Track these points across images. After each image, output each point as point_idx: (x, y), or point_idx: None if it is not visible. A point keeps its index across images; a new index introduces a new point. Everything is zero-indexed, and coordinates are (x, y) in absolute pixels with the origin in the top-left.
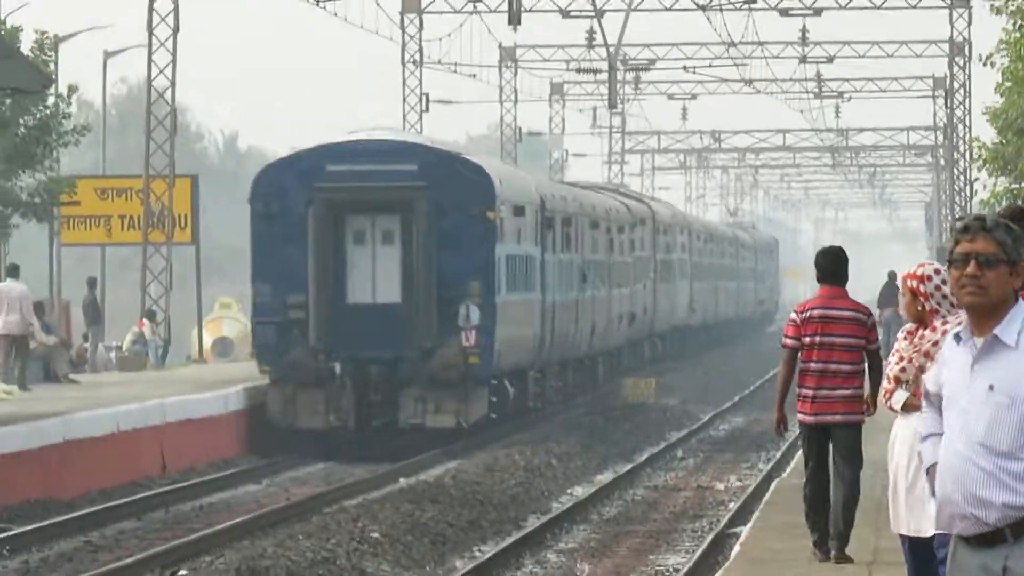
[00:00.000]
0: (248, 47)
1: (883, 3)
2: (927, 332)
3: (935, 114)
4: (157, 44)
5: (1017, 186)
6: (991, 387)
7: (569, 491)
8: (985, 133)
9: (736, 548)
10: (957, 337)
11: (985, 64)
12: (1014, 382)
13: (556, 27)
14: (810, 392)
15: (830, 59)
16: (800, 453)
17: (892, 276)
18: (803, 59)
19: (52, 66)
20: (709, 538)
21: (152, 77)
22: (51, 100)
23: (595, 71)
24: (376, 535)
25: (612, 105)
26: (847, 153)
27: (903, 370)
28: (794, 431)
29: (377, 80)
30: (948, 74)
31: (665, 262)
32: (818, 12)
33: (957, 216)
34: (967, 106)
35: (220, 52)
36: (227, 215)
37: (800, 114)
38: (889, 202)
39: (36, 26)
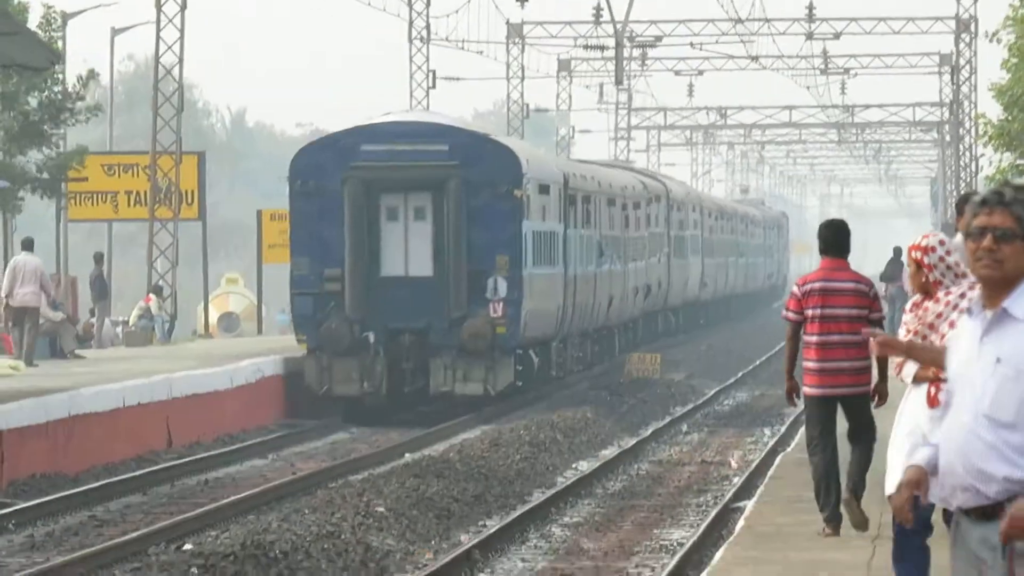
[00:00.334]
0: (254, 27)
1: None
2: (930, 304)
3: (941, 90)
4: (165, 21)
5: (1022, 162)
6: (998, 359)
7: (574, 466)
8: (991, 109)
9: (740, 522)
10: (969, 311)
11: (991, 40)
12: (1020, 354)
13: (563, 3)
14: (815, 365)
15: (836, 35)
16: (804, 428)
17: (897, 252)
18: (809, 35)
19: (60, 43)
20: (714, 512)
21: (160, 54)
22: (62, 78)
23: (602, 47)
24: (381, 509)
25: (619, 81)
26: (853, 129)
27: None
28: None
29: (384, 57)
30: (954, 50)
31: (679, 238)
32: None
33: (963, 191)
34: (973, 82)
35: (226, 30)
36: (234, 191)
37: (806, 90)
38: (895, 178)
39: (43, 1)
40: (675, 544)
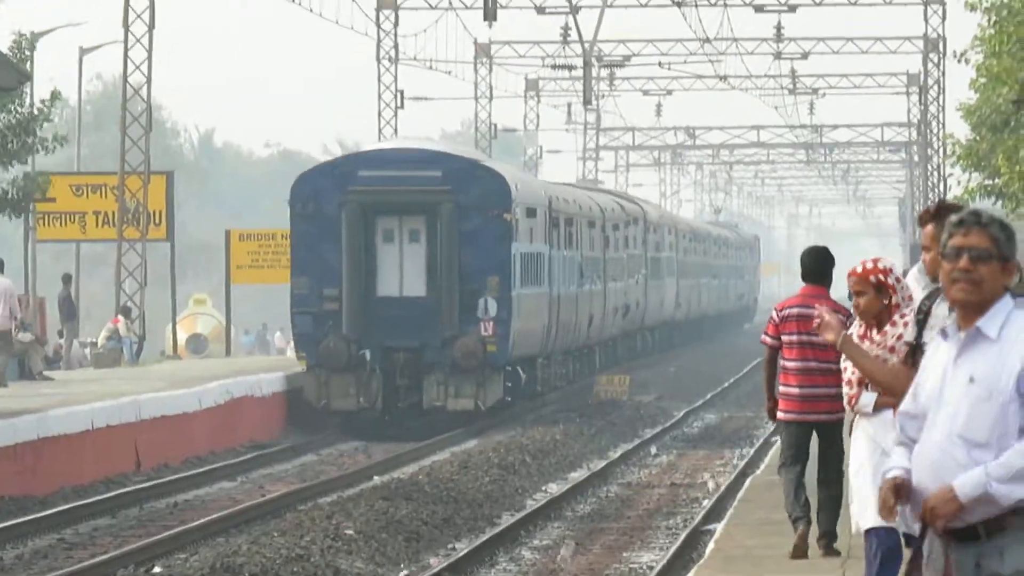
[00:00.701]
0: (222, 46)
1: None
2: (888, 328)
3: (909, 110)
4: (133, 41)
5: (991, 182)
6: (971, 379)
7: (543, 488)
8: (959, 129)
9: (710, 545)
10: (943, 333)
11: (959, 60)
12: (993, 374)
13: (531, 23)
14: (795, 391)
15: (804, 55)
16: (774, 450)
17: None
18: (778, 55)
19: (28, 64)
20: (683, 535)
21: (128, 73)
22: (29, 100)
23: (570, 67)
24: (350, 532)
25: (587, 101)
26: (821, 150)
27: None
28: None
29: (352, 78)
30: (922, 70)
31: (655, 259)
32: (792, 8)
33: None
34: (941, 102)
35: (194, 50)
36: (202, 211)
37: (775, 110)
38: (863, 199)
39: (11, 18)
40: (645, 567)
